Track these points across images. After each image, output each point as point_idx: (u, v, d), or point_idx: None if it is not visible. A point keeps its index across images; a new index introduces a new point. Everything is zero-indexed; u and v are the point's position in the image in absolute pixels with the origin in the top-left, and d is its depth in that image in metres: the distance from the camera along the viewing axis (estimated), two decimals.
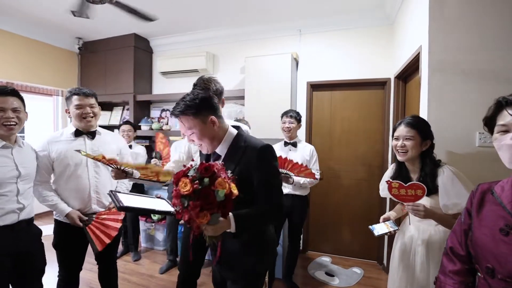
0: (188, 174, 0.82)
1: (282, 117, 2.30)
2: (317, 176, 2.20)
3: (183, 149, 1.66)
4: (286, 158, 2.00)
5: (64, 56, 3.69)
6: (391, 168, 1.46)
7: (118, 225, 1.62)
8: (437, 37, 1.57)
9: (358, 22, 2.78)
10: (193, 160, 1.67)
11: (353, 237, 2.93)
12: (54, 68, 3.58)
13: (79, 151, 1.44)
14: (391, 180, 1.27)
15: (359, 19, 2.76)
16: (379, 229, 1.44)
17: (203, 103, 1.00)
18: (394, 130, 1.35)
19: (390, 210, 1.68)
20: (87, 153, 1.41)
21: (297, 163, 2.00)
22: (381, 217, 1.51)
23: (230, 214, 0.91)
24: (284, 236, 2.47)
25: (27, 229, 1.41)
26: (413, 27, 1.94)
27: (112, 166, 1.40)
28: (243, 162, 0.99)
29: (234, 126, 1.13)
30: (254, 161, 0.99)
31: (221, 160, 1.05)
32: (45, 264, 1.51)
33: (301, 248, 2.98)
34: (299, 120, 2.26)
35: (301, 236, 2.39)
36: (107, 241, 1.54)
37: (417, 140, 1.25)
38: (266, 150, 1.02)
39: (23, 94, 1.45)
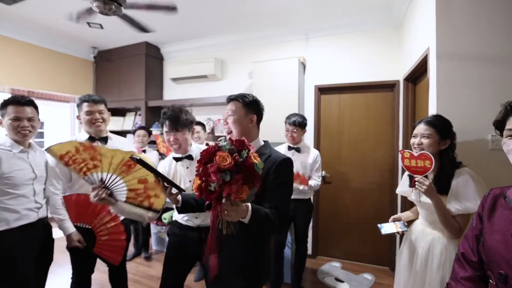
0: (222, 148, 0.78)
1: (285, 122, 2.23)
2: (318, 182, 2.20)
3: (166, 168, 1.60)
4: None
5: (80, 65, 3.85)
6: None
7: (122, 237, 1.62)
8: (445, 38, 1.55)
9: (366, 24, 2.76)
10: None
11: (363, 242, 2.88)
12: (71, 76, 3.74)
13: (132, 157, 1.15)
14: (403, 150, 1.29)
15: (367, 22, 2.74)
16: (387, 228, 1.43)
17: (254, 102, 1.18)
18: (413, 129, 1.35)
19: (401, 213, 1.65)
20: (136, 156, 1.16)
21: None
22: (392, 217, 1.49)
23: (248, 203, 0.90)
24: (292, 240, 2.46)
25: (43, 226, 1.56)
26: (421, 28, 1.91)
27: (88, 178, 1.26)
28: (265, 167, 1.02)
29: None
30: (273, 167, 1.04)
31: None
32: (51, 259, 1.64)
33: (310, 252, 2.95)
34: (303, 126, 2.20)
35: (308, 240, 2.37)
36: (119, 257, 1.60)
37: (435, 139, 1.24)
38: (287, 161, 1.09)
39: (43, 101, 1.55)
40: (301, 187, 2.12)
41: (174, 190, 1.11)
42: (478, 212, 0.86)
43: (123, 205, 1.34)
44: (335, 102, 2.99)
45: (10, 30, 3.06)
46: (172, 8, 2.16)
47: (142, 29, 2.46)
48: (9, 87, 3.24)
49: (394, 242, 2.66)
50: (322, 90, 3.01)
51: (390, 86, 2.73)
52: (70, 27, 3.14)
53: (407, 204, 2.31)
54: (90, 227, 1.58)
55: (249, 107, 1.16)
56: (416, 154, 1.24)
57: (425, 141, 1.25)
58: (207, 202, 0.85)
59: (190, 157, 1.55)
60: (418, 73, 2.18)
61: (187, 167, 1.55)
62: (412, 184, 1.25)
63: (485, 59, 1.48)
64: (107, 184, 1.30)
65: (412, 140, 1.32)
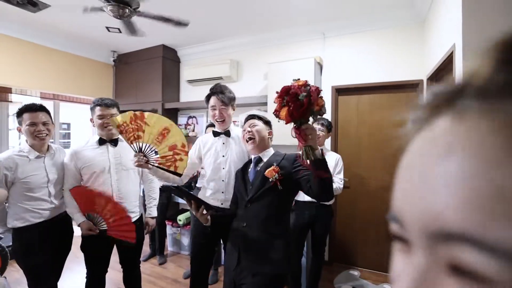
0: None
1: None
2: (340, 185, 2.11)
3: (194, 154, 1.70)
4: None
5: (101, 69, 3.98)
6: None
7: (124, 214, 1.63)
8: (472, 34, 1.43)
9: (386, 22, 2.63)
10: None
11: (384, 250, 2.74)
12: (92, 79, 3.88)
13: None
14: None
15: (387, 19, 2.62)
16: None
17: (270, 122, 1.52)
18: None
19: None
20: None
21: None
22: None
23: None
24: (308, 247, 2.39)
25: (61, 220, 1.70)
26: (446, 24, 1.79)
27: (133, 146, 1.42)
28: (283, 163, 1.32)
29: None
30: (292, 162, 1.33)
31: (263, 162, 1.40)
32: (69, 249, 1.80)
33: (327, 259, 2.85)
34: (329, 130, 2.23)
35: (326, 248, 2.28)
36: (132, 233, 1.63)
37: None
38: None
39: (67, 104, 1.64)
40: None
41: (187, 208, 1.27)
42: None
43: (157, 170, 1.48)
44: (354, 103, 2.88)
45: (36, 36, 3.21)
46: (184, 24, 2.19)
47: (171, 21, 2.40)
48: (39, 91, 3.42)
49: None
50: (340, 91, 2.91)
51: (412, 86, 2.59)
52: (91, 32, 3.25)
53: None
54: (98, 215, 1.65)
55: (268, 125, 1.50)
56: None
57: None
58: (295, 126, 1.14)
59: (228, 134, 1.67)
60: (443, 72, 2.04)
61: (223, 143, 1.66)
62: None
63: None
64: (145, 152, 1.45)
65: None
